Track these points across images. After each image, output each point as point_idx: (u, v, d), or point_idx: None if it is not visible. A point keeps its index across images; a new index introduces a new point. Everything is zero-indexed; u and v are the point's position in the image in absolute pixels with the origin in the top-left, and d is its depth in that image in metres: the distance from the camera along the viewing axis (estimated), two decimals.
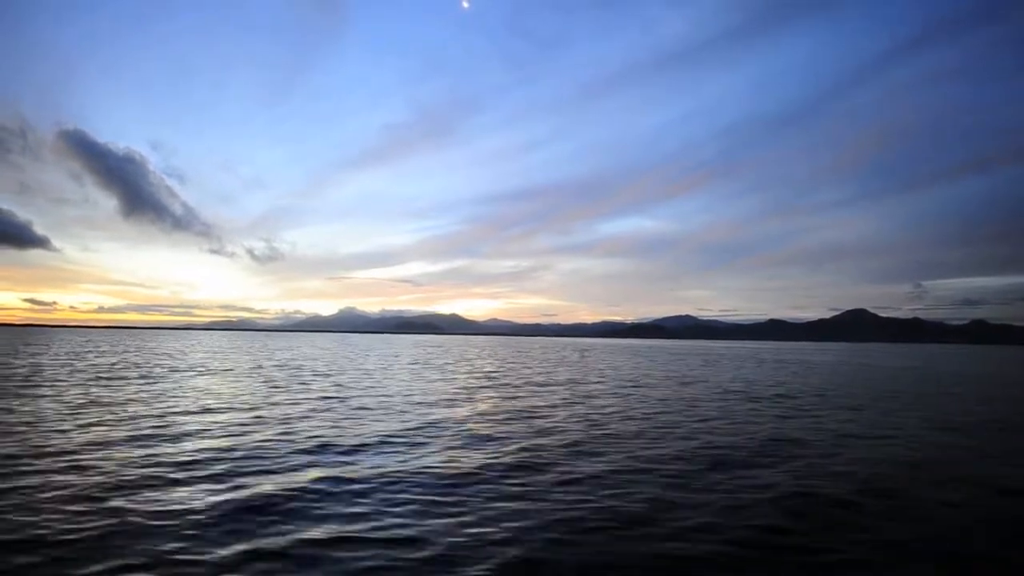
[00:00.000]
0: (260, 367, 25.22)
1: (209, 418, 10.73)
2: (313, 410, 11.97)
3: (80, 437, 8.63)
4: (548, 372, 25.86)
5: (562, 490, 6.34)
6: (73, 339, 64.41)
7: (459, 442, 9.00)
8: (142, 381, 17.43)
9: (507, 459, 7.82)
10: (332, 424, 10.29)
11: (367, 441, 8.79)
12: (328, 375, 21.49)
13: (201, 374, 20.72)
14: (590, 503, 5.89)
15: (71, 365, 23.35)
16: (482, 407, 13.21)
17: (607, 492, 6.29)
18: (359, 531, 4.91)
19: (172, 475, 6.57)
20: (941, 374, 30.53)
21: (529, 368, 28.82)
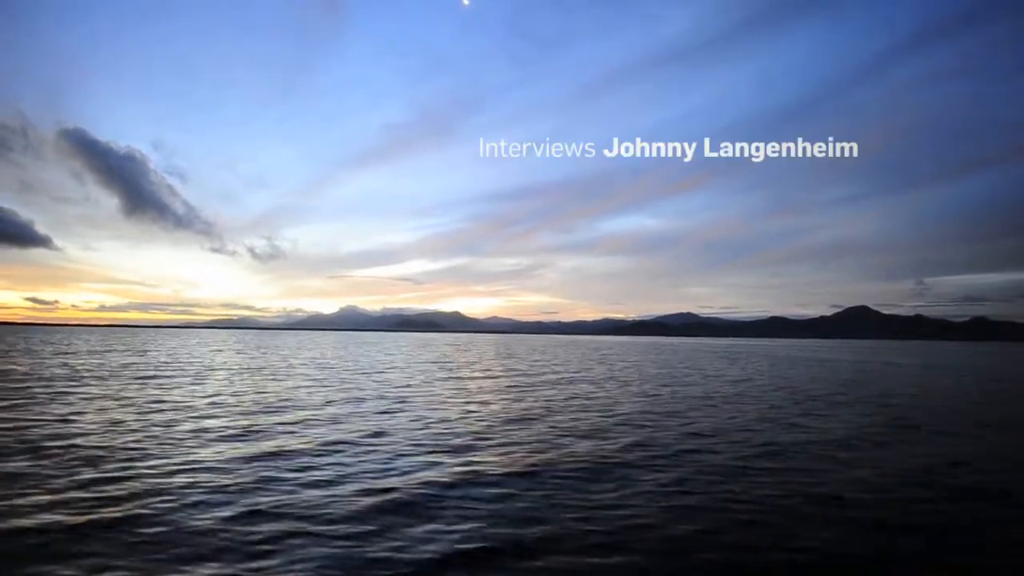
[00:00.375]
0: (291, 366, 24.98)
1: (281, 418, 10.46)
2: (386, 412, 11.70)
3: (170, 437, 8.37)
4: (584, 369, 25.61)
5: (720, 485, 6.10)
6: (85, 338, 64.04)
7: (561, 438, 8.72)
8: (188, 380, 17.19)
9: (629, 456, 7.57)
10: (420, 425, 10.03)
11: (468, 442, 8.53)
12: (368, 373, 21.25)
13: (238, 373, 20.46)
14: (762, 497, 5.65)
15: (104, 365, 23.10)
16: (551, 404, 12.94)
17: (773, 489, 6.03)
18: (544, 535, 4.66)
19: (299, 478, 6.31)
20: (968, 371, 30.35)
21: (563, 365, 28.57)
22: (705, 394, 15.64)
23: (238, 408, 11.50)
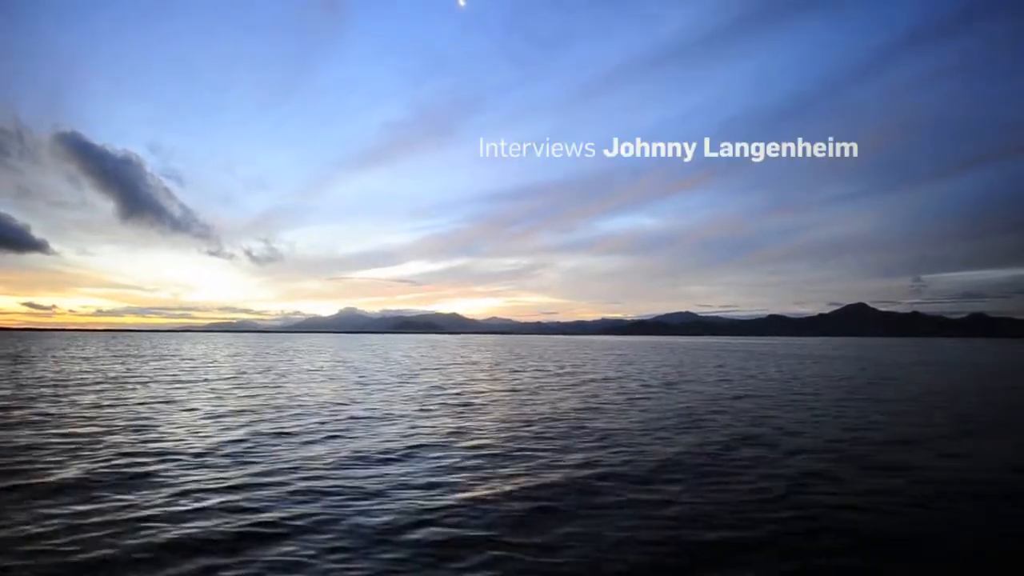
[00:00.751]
0: (322, 368, 24.76)
1: (356, 421, 10.27)
2: (457, 414, 11.55)
3: (260, 441, 8.18)
4: (615, 369, 25.43)
5: (861, 481, 5.97)
6: (93, 342, 63.44)
7: (657, 437, 8.50)
8: (231, 384, 16.98)
9: (744, 451, 7.41)
10: (501, 425, 9.85)
11: (570, 442, 8.34)
12: (405, 375, 21.03)
13: (278, 376, 20.24)
14: (911, 493, 5.52)
15: (135, 370, 22.85)
16: (614, 402, 12.71)
17: (914, 486, 5.89)
18: (738, 539, 4.50)
19: (429, 481, 6.13)
20: (979, 368, 30.40)
21: (590, 365, 28.39)
22: (763, 393, 15.52)
23: (305, 411, 11.28)
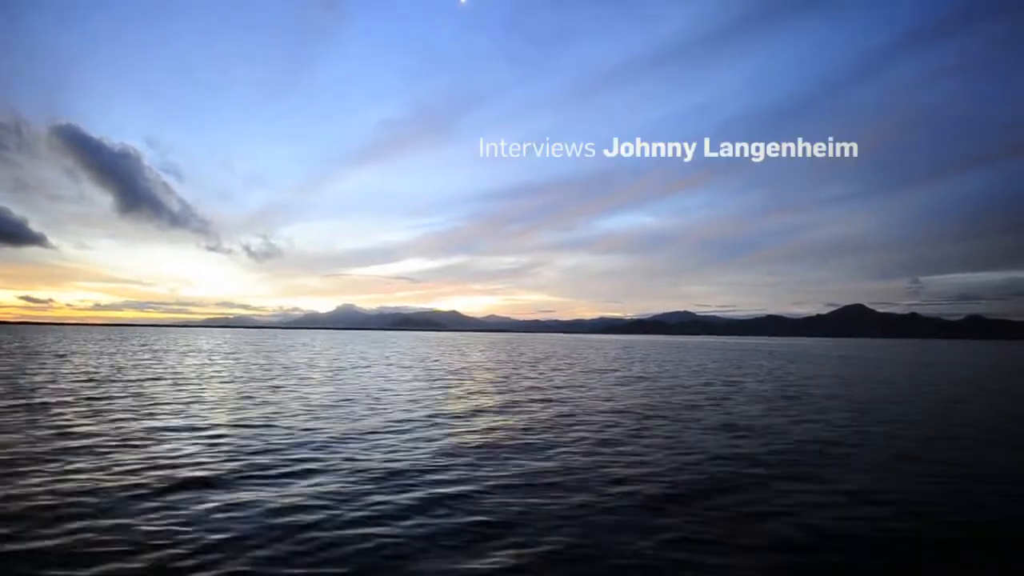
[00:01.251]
0: (369, 365, 24.73)
1: (457, 417, 10.30)
2: (542, 409, 11.57)
3: (360, 433, 8.17)
4: (646, 367, 25.51)
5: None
6: (101, 337, 62.82)
7: (783, 425, 8.55)
8: (291, 381, 16.95)
9: (889, 442, 7.48)
10: (606, 418, 9.88)
11: (705, 440, 8.39)
12: (456, 371, 21.03)
13: (331, 372, 20.22)
14: None
15: (176, 366, 22.78)
16: (692, 400, 12.74)
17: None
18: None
19: (589, 473, 6.16)
20: (987, 370, 30.66)
21: (621, 363, 28.46)
22: (837, 392, 15.65)
23: (395, 406, 11.26)
